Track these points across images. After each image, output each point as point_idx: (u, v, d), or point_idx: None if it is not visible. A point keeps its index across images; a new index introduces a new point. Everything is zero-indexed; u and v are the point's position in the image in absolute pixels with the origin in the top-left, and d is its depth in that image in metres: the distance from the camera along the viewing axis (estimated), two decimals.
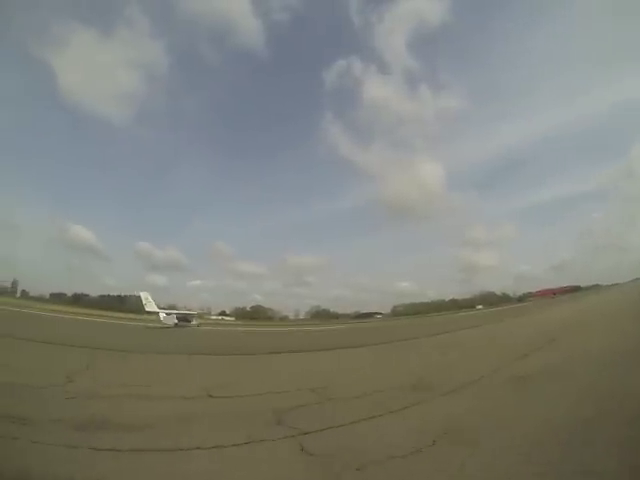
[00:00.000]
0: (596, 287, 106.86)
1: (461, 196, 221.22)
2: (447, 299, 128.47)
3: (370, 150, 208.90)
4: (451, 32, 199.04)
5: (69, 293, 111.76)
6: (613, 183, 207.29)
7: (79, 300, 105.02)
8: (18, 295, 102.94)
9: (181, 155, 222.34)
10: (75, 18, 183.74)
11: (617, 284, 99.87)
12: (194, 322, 45.63)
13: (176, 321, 42.76)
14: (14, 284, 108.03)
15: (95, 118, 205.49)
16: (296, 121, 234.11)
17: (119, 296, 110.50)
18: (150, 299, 47.13)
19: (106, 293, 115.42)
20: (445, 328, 28.92)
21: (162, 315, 45.15)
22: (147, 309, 45.71)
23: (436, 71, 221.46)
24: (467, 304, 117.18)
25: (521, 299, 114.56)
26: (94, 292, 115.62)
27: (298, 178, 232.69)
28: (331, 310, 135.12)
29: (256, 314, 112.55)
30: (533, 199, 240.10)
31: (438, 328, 30.66)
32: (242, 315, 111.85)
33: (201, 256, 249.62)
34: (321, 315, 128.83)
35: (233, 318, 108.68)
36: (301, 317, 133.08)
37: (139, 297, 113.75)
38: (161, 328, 39.17)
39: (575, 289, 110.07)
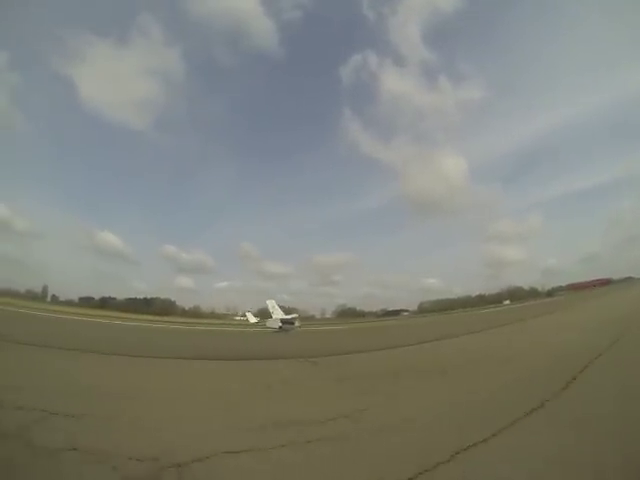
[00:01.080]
0: (629, 280, 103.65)
1: (485, 190, 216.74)
2: (474, 295, 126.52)
3: (392, 146, 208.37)
4: (467, 21, 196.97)
5: (97, 297, 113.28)
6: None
7: (106, 303, 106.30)
8: (48, 300, 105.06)
9: (203, 158, 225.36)
10: (92, 29, 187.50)
11: None
12: (296, 324, 46.79)
13: (280, 324, 44.34)
14: (44, 290, 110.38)
15: (117, 125, 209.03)
16: (316, 120, 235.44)
17: (145, 299, 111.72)
18: (277, 306, 48.85)
19: (134, 296, 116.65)
20: (454, 330, 25.25)
21: (250, 318, 52.91)
22: (274, 316, 46.95)
23: (455, 62, 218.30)
24: (494, 299, 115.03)
25: (550, 293, 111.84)
26: (123, 295, 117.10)
27: (320, 177, 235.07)
28: (357, 308, 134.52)
29: None
30: (560, 190, 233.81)
31: (443, 329, 27.58)
32: (267, 315, 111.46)
33: (227, 257, 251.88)
34: (347, 314, 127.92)
35: (258, 318, 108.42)
36: (327, 316, 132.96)
37: (165, 300, 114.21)
38: (273, 331, 42.49)
39: (608, 282, 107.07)
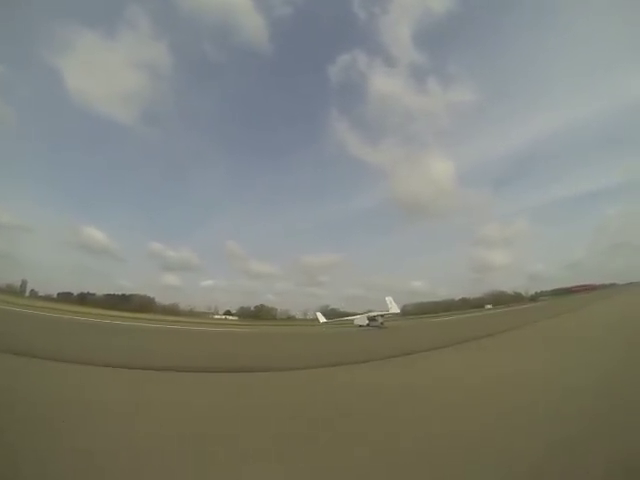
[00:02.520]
0: (612, 286, 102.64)
1: (474, 193, 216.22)
2: (457, 298, 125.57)
3: (382, 148, 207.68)
4: (460, 23, 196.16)
5: (77, 293, 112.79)
6: (629, 179, 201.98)
7: (85, 299, 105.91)
8: (27, 294, 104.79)
9: (191, 155, 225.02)
10: (80, 21, 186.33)
11: (633, 283, 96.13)
12: (380, 320, 49.67)
13: (367, 322, 48.47)
14: (23, 284, 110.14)
15: (105, 119, 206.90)
16: (305, 119, 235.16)
17: (124, 295, 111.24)
18: (394, 303, 53.11)
19: (119, 293, 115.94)
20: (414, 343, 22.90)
21: (320, 318, 60.21)
22: (391, 312, 51.09)
23: (446, 64, 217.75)
24: (478, 303, 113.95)
25: (533, 298, 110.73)
26: (105, 292, 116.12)
27: (309, 177, 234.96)
28: (339, 310, 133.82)
29: (260, 314, 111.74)
30: (547, 196, 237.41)
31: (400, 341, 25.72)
32: (246, 315, 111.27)
33: (214, 256, 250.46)
34: (329, 315, 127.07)
35: (237, 318, 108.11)
36: (309, 317, 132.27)
37: (143, 296, 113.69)
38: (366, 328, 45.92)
39: (594, 287, 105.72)
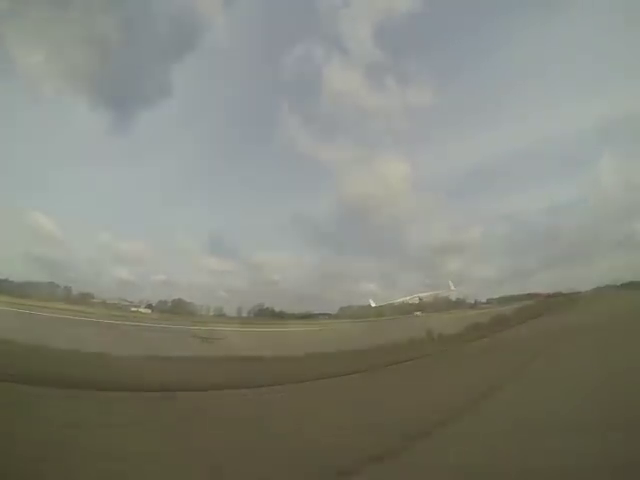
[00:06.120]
0: (558, 294, 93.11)
1: (428, 198, 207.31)
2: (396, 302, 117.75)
3: (335, 146, 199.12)
4: (425, 24, 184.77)
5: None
6: (583, 195, 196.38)
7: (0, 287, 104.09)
8: None
9: (144, 142, 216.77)
10: None
11: (578, 292, 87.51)
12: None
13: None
14: None
15: (54, 97, 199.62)
16: (258, 112, 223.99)
17: (38, 283, 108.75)
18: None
19: (34, 281, 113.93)
20: None
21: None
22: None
23: (408, 65, 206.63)
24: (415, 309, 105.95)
25: (473, 306, 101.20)
26: (29, 280, 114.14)
27: (271, 173, 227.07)
28: (277, 309, 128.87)
29: (177, 309, 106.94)
30: (502, 205, 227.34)
31: None
32: (163, 309, 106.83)
33: (166, 250, 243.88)
34: (264, 314, 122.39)
35: (150, 311, 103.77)
36: (244, 315, 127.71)
37: (54, 284, 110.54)
38: None
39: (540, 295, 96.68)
